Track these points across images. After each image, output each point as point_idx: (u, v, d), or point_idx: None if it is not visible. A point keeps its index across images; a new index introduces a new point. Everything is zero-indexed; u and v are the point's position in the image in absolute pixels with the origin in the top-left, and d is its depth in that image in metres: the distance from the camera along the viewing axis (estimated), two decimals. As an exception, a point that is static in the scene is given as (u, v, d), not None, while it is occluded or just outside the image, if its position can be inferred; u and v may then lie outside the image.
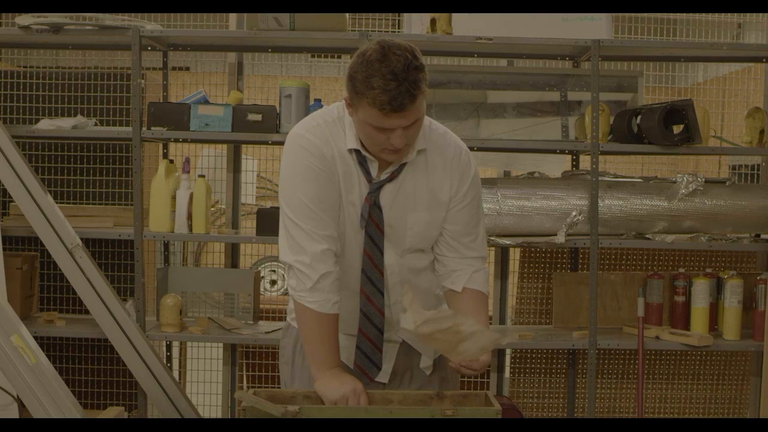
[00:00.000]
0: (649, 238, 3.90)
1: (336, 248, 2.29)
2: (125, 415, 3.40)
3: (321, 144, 2.28)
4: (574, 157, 4.37)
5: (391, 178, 2.30)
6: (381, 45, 2.13)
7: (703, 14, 4.94)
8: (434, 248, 2.42)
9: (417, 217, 2.33)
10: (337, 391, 2.20)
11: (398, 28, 5.39)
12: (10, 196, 3.76)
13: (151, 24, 3.87)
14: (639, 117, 3.88)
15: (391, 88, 2.09)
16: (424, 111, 2.22)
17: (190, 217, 3.84)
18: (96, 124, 4.12)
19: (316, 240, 2.26)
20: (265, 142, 3.98)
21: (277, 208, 3.97)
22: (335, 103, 2.36)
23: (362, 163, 2.30)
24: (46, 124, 3.94)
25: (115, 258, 4.31)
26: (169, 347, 4.32)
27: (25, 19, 3.77)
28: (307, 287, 2.26)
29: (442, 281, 2.44)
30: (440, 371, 2.51)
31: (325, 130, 2.30)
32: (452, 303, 2.41)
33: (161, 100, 4.21)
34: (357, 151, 2.29)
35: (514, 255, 4.50)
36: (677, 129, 3.83)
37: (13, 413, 3.38)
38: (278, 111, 3.80)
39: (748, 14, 5.02)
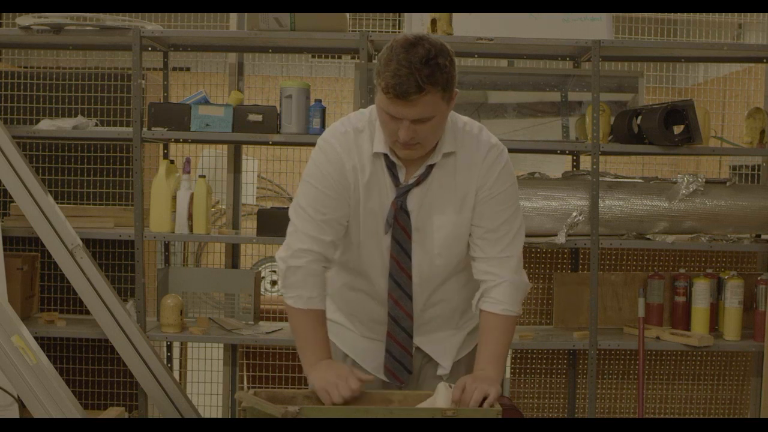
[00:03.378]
0: (649, 239, 3.90)
1: (324, 251, 2.29)
2: (126, 416, 3.40)
3: (342, 152, 2.28)
4: (575, 158, 4.37)
5: (419, 182, 2.28)
6: (416, 36, 2.12)
7: (704, 14, 4.94)
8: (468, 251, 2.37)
9: (445, 220, 2.30)
10: (323, 378, 2.19)
11: (399, 29, 5.39)
12: (10, 197, 3.76)
13: (151, 24, 3.87)
14: (639, 117, 3.88)
15: (402, 74, 2.07)
16: (442, 113, 2.17)
17: (190, 217, 3.84)
18: (96, 125, 4.12)
19: (301, 239, 2.29)
20: (266, 143, 3.98)
21: (278, 208, 4.00)
22: (372, 106, 2.31)
23: (390, 167, 2.28)
24: (47, 125, 3.94)
25: (115, 258, 4.31)
26: (169, 347, 4.32)
27: (25, 19, 3.77)
28: (284, 284, 2.31)
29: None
30: (457, 376, 2.46)
31: (351, 138, 2.29)
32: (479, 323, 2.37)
33: (162, 101, 4.22)
34: (385, 156, 2.27)
35: (515, 255, 4.49)
36: (678, 129, 3.83)
37: (13, 413, 3.38)
38: (279, 111, 3.81)
39: (748, 14, 5.02)
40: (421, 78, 2.07)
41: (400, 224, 2.29)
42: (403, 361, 2.40)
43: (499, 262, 2.32)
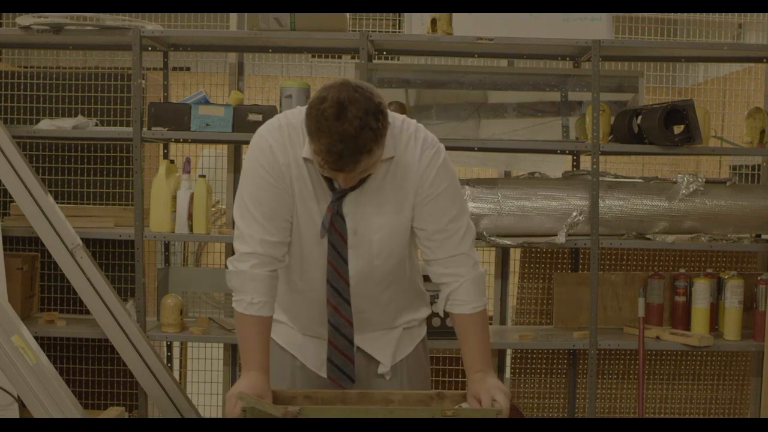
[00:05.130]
0: (649, 239, 3.90)
1: (272, 252, 2.26)
2: (126, 415, 3.40)
3: (277, 148, 2.24)
4: (575, 158, 4.37)
5: (354, 187, 2.23)
6: (340, 101, 2.02)
7: (704, 14, 4.94)
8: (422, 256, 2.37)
9: (383, 221, 2.27)
10: (235, 388, 2.19)
11: (398, 28, 5.39)
12: (10, 196, 3.76)
13: (151, 24, 3.87)
14: (639, 117, 3.88)
15: (337, 150, 2.02)
16: (378, 160, 2.13)
17: (190, 217, 3.84)
18: (96, 125, 4.12)
19: (246, 243, 2.26)
20: (266, 143, 3.97)
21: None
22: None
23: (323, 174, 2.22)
24: (47, 125, 3.94)
25: (115, 258, 4.31)
26: (169, 347, 4.32)
27: (25, 19, 3.77)
28: (230, 286, 2.29)
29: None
30: (400, 377, 2.49)
31: (285, 133, 2.25)
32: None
33: (162, 101, 4.22)
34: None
35: (515, 255, 4.50)
36: (678, 129, 3.83)
37: (13, 413, 3.38)
38: (279, 111, 3.80)
39: (748, 14, 5.02)
40: (358, 150, 2.02)
41: (336, 229, 2.26)
42: (346, 370, 2.38)
43: (454, 262, 2.31)
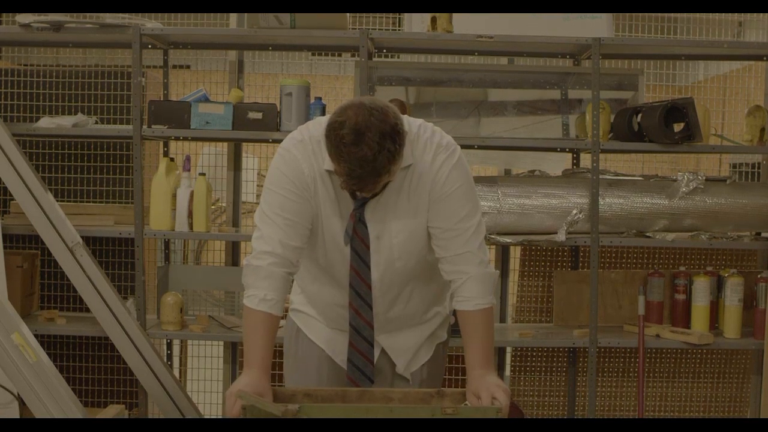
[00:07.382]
0: (649, 237, 3.90)
1: (290, 256, 2.30)
2: (126, 414, 3.40)
3: (302, 159, 2.30)
4: (575, 156, 4.36)
5: (375, 194, 2.29)
6: (357, 127, 2.08)
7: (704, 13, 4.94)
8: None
9: (402, 225, 2.33)
10: (235, 386, 2.20)
11: (399, 27, 5.38)
12: (10, 195, 3.76)
13: (151, 22, 3.87)
14: (640, 115, 3.88)
15: (357, 174, 2.11)
16: (397, 171, 2.20)
17: (190, 215, 3.84)
18: (96, 122, 4.12)
19: (267, 242, 2.30)
20: (266, 141, 3.97)
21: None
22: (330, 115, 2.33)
23: None
24: (47, 122, 3.93)
25: (115, 256, 4.31)
26: (169, 345, 4.32)
27: (25, 17, 3.77)
28: (244, 282, 2.32)
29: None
30: (419, 381, 2.54)
31: (309, 147, 2.31)
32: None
33: (162, 99, 4.21)
34: None
35: (515, 253, 4.50)
36: (678, 127, 3.83)
37: (13, 412, 3.38)
38: (279, 109, 3.80)
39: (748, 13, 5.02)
40: (376, 172, 2.11)
41: (358, 235, 2.32)
42: (365, 371, 2.42)
43: (460, 259, 2.33)
